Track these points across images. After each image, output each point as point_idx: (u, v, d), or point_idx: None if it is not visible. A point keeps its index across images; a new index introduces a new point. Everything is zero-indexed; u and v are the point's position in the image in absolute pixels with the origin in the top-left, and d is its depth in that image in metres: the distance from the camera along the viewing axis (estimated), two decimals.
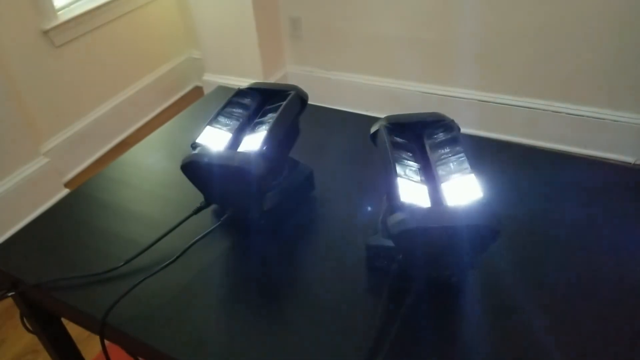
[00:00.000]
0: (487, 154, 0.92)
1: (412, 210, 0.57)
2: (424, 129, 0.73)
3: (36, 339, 1.59)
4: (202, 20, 2.51)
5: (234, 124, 0.78)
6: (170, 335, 0.66)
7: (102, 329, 0.68)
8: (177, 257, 0.72)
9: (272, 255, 0.77)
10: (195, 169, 0.72)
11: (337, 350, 0.62)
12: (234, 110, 0.80)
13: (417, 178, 0.65)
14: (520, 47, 2.12)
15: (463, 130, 0.74)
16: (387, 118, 0.73)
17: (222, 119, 0.78)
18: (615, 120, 2.10)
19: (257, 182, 0.70)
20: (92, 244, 0.81)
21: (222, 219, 0.79)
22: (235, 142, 0.76)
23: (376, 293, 0.69)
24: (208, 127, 0.77)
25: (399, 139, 0.70)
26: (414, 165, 0.67)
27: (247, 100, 0.82)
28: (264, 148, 0.71)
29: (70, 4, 2.26)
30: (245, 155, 0.69)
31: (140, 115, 2.74)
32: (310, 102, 0.86)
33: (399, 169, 0.64)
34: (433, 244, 0.58)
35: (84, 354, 0.98)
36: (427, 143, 0.70)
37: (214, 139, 0.76)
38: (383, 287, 0.69)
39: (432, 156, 0.68)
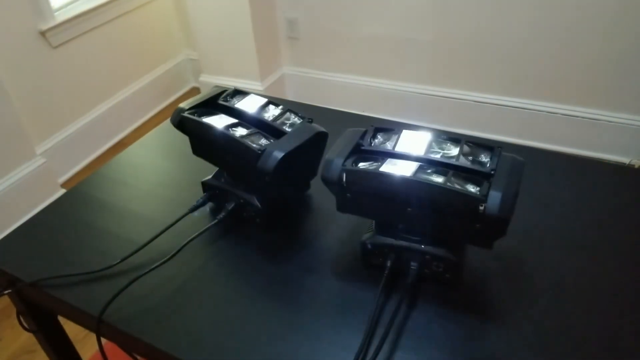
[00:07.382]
0: None
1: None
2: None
3: (33, 338, 1.59)
4: (199, 21, 2.52)
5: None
6: (166, 332, 0.66)
7: (99, 326, 0.69)
8: (173, 255, 0.73)
9: (267, 252, 0.77)
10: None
11: (334, 346, 0.63)
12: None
13: None
14: (515, 48, 2.14)
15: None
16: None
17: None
18: (609, 121, 2.12)
19: None
20: (89, 242, 0.82)
21: (218, 217, 0.79)
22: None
23: (372, 289, 0.70)
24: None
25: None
26: None
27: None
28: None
29: (68, 4, 2.27)
30: None
31: (137, 116, 2.74)
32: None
33: None
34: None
35: (81, 354, 0.99)
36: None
37: None
38: (379, 283, 0.70)
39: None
